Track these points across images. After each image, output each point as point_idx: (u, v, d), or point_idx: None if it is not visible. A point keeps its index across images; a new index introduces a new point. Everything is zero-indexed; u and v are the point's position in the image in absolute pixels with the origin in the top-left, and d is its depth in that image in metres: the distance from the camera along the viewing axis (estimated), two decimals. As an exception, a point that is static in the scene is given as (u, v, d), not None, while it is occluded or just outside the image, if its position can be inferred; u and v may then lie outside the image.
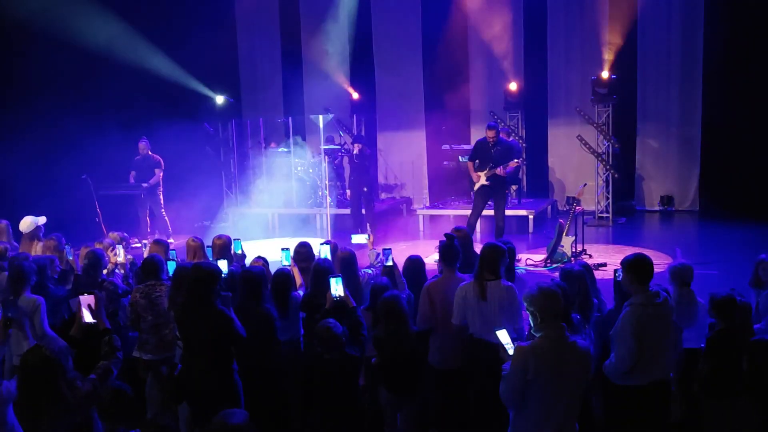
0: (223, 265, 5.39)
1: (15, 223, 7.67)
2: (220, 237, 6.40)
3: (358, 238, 6.24)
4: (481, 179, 9.77)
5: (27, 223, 7.54)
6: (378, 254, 5.56)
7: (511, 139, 12.76)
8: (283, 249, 5.93)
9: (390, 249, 5.56)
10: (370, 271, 5.67)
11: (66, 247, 6.70)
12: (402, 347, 4.58)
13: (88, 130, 10.87)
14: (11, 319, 4.31)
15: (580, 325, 4.37)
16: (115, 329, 5.44)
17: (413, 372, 4.68)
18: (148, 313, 5.22)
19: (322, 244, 6.00)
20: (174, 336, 5.19)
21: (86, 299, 4.16)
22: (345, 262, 5.38)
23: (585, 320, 4.50)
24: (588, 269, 5.17)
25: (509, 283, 4.73)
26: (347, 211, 12.15)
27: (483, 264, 4.68)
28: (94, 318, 4.12)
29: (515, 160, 9.86)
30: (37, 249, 7.20)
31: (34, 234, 7.50)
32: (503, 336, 3.80)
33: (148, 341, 5.25)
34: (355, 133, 13.32)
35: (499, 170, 9.61)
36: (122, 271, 6.39)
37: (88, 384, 3.55)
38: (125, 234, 7.45)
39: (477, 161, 9.92)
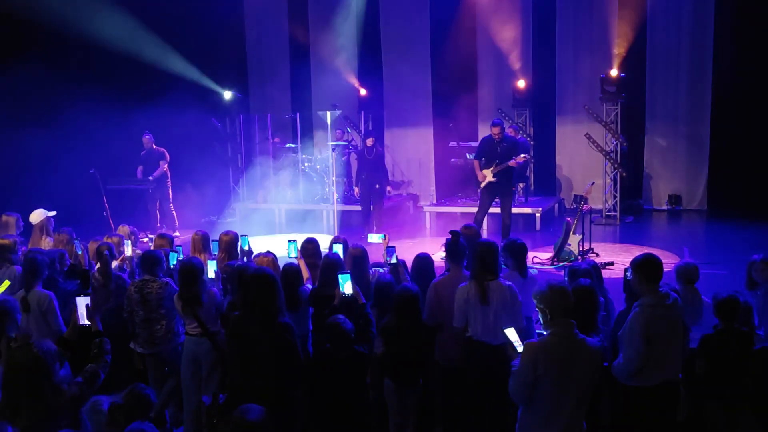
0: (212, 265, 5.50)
1: (24, 217, 7.70)
2: (227, 233, 6.43)
3: (374, 238, 6.23)
4: (488, 176, 9.76)
5: (37, 214, 7.57)
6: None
7: (519, 136, 12.73)
8: (290, 241, 5.95)
9: (394, 247, 5.56)
10: (381, 270, 5.66)
11: (75, 241, 6.72)
12: (415, 340, 4.60)
13: (96, 124, 10.90)
14: (13, 338, 4.29)
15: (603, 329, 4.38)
16: (122, 323, 5.50)
17: (419, 364, 4.72)
18: (140, 308, 5.32)
19: (333, 242, 5.99)
20: (166, 331, 5.27)
21: (83, 300, 4.12)
22: (356, 259, 5.38)
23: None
24: (596, 268, 5.18)
25: (509, 283, 4.72)
26: (354, 207, 12.12)
27: (480, 263, 4.64)
28: (88, 319, 4.07)
29: (523, 155, 9.83)
30: (46, 243, 7.23)
31: (44, 227, 7.53)
32: (511, 334, 3.81)
33: (140, 335, 5.36)
34: (363, 130, 13.21)
35: (512, 162, 9.60)
36: (129, 267, 6.41)
37: (74, 388, 3.50)
38: (134, 228, 7.48)
39: (483, 159, 9.91)
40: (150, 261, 5.47)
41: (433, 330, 4.83)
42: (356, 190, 11.80)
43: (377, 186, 11.27)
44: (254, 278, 4.16)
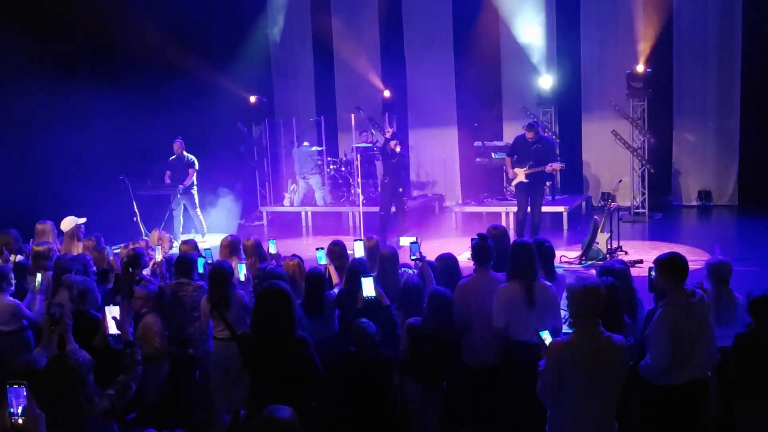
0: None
1: (58, 224, 7.85)
2: (248, 238, 6.54)
3: (406, 241, 6.25)
4: (520, 176, 9.78)
5: (68, 222, 7.71)
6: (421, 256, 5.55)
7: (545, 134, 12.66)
8: (318, 249, 6.00)
9: (416, 242, 5.56)
10: (411, 271, 5.67)
11: (107, 247, 6.84)
12: (443, 343, 4.60)
13: (124, 130, 11.05)
14: (59, 318, 4.26)
15: (631, 326, 4.34)
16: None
17: (444, 366, 4.71)
18: (176, 310, 5.37)
19: (356, 240, 6.02)
20: (199, 333, 5.33)
21: (112, 310, 4.14)
22: (385, 261, 5.39)
23: (632, 319, 4.47)
24: (627, 268, 5.12)
25: (549, 283, 4.71)
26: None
27: (522, 265, 4.63)
28: (118, 329, 4.05)
29: (559, 164, 9.86)
30: (78, 249, 7.36)
31: (74, 233, 7.67)
32: (546, 336, 3.80)
33: (174, 337, 5.38)
34: (393, 130, 13.07)
35: (548, 168, 9.67)
36: (159, 270, 6.49)
37: (106, 400, 3.40)
38: (164, 233, 7.58)
39: (515, 157, 9.92)
40: (184, 264, 5.56)
41: (459, 332, 4.83)
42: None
43: (400, 189, 11.14)
44: (266, 295, 4.00)
